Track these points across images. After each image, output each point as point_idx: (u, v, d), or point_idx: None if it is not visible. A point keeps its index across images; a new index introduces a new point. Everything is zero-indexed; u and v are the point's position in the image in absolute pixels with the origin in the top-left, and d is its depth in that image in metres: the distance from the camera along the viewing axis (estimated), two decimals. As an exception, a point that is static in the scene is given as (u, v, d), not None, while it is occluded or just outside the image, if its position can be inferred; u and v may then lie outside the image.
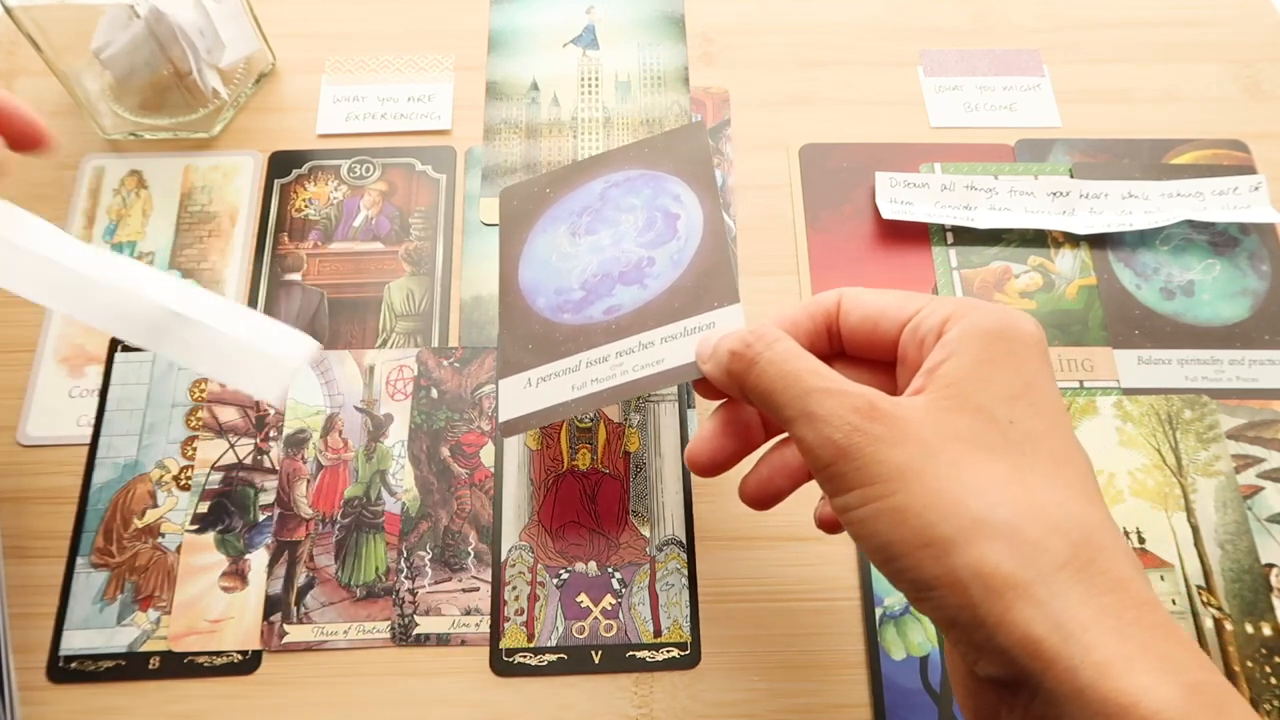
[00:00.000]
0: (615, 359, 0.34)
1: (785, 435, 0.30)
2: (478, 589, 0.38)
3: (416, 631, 0.37)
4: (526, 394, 0.35)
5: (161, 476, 0.40)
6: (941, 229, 0.46)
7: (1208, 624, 0.37)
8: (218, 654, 0.37)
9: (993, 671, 0.22)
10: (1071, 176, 0.47)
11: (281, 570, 0.39)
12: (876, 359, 0.29)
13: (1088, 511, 0.23)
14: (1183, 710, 0.20)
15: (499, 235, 0.40)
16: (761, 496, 0.30)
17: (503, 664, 0.37)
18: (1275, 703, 0.36)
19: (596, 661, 0.37)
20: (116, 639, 0.37)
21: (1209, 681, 0.21)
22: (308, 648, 0.37)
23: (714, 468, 0.30)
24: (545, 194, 0.40)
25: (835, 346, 0.29)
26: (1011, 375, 0.25)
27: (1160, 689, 0.20)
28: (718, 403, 0.31)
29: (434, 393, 0.42)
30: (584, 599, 0.38)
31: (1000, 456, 0.23)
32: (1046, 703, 0.21)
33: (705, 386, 0.31)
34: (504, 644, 0.37)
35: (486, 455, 0.41)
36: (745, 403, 0.29)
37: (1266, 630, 0.37)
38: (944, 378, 0.25)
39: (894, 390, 0.28)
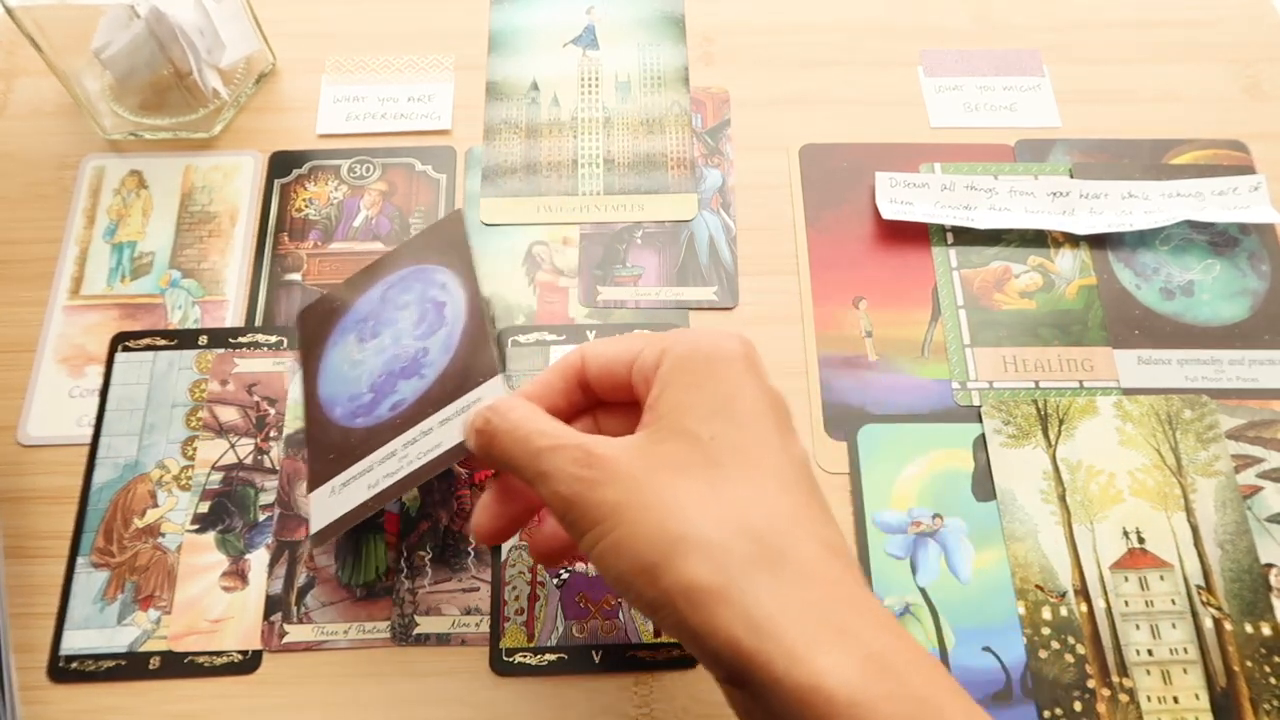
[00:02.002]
0: (401, 451, 0.35)
1: None
2: (478, 589, 0.38)
3: (416, 631, 0.37)
4: (331, 501, 0.37)
5: (162, 476, 0.40)
6: (941, 229, 0.46)
7: (1207, 624, 0.37)
8: (218, 654, 0.37)
9: (719, 676, 0.24)
10: (1071, 176, 0.47)
11: (282, 570, 0.39)
12: (627, 401, 0.30)
13: (776, 505, 0.25)
14: (859, 683, 0.21)
15: (300, 358, 0.42)
16: (548, 553, 0.32)
17: (503, 664, 0.37)
18: (1275, 703, 0.36)
19: (596, 661, 0.37)
20: (117, 639, 0.37)
21: (890, 648, 0.23)
22: (308, 648, 0.37)
23: (498, 535, 0.32)
24: (336, 308, 0.42)
25: (591, 399, 0.31)
26: (712, 394, 0.27)
27: (840, 667, 0.22)
28: (493, 473, 0.33)
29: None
30: (584, 599, 0.38)
31: (698, 474, 0.25)
32: (759, 696, 0.23)
33: (475, 461, 0.34)
34: (504, 644, 0.37)
35: (486, 455, 0.41)
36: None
37: (1266, 630, 0.37)
38: (659, 409, 0.27)
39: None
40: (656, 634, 0.37)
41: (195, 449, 0.41)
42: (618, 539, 0.25)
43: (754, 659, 0.22)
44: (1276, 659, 0.37)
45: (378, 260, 0.42)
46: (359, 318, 0.41)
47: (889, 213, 0.45)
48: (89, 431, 0.41)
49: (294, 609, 0.38)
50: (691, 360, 0.27)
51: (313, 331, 0.42)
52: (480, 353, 0.36)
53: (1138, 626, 0.37)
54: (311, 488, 0.38)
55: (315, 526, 0.37)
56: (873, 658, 0.22)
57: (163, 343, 0.43)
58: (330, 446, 0.38)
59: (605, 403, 0.32)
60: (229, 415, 0.42)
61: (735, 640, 0.23)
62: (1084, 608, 0.38)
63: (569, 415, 0.31)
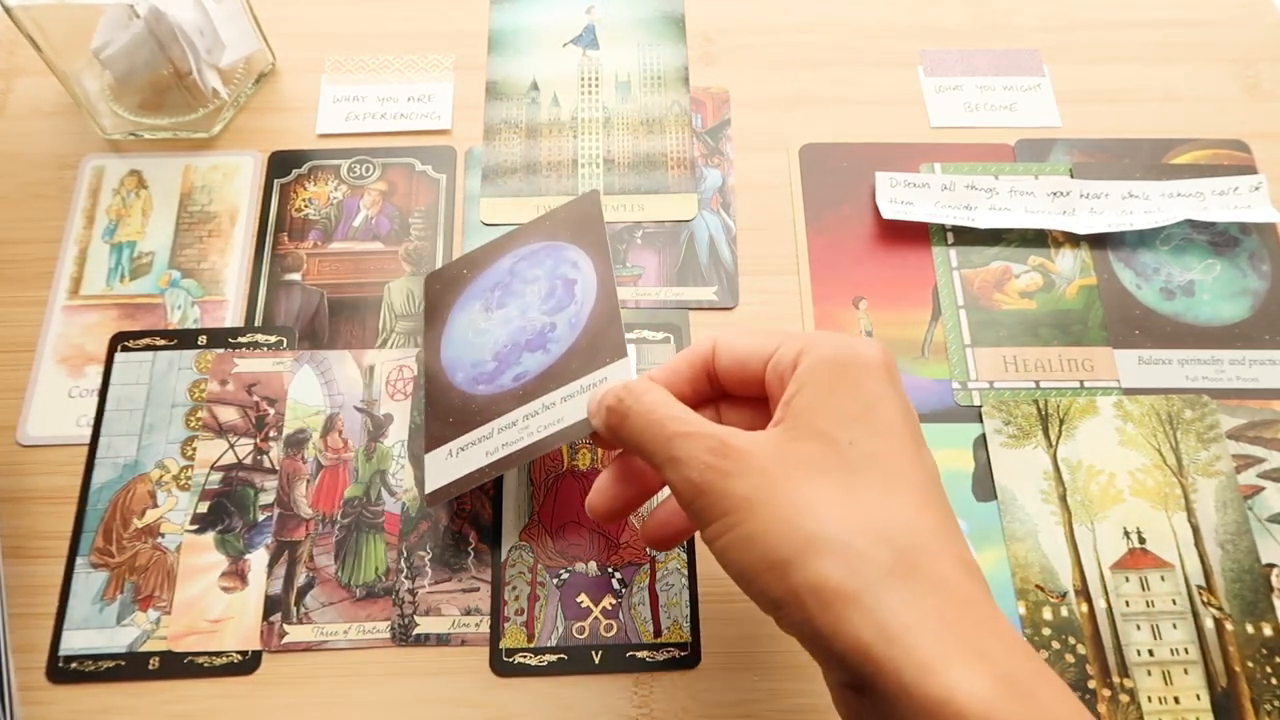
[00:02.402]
0: (523, 422, 0.36)
1: None
2: (478, 589, 0.38)
3: (416, 631, 0.37)
4: (448, 464, 0.37)
5: (161, 476, 0.40)
6: (942, 229, 0.46)
7: (1208, 624, 0.37)
8: (218, 654, 0.37)
9: (838, 678, 0.24)
10: (1072, 176, 0.47)
11: (281, 570, 0.39)
12: (754, 396, 0.30)
13: (917, 519, 0.25)
14: (990, 701, 0.21)
15: (424, 319, 0.42)
16: (661, 538, 0.32)
17: (503, 664, 0.37)
18: (1275, 703, 0.36)
19: (596, 661, 0.37)
20: (116, 639, 0.37)
21: (1022, 670, 0.22)
22: (308, 648, 0.37)
23: (614, 516, 0.32)
24: (463, 275, 0.42)
25: (717, 389, 0.31)
26: (851, 400, 0.27)
27: (973, 682, 0.21)
28: (616, 453, 0.33)
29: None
30: (584, 599, 0.38)
31: (835, 477, 0.25)
32: (881, 703, 0.23)
33: (598, 442, 0.33)
34: (504, 644, 0.37)
35: (486, 455, 0.41)
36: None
37: (1267, 630, 0.37)
38: (795, 408, 0.27)
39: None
40: (657, 634, 0.37)
41: (195, 449, 0.41)
42: (748, 532, 0.25)
43: (884, 665, 0.22)
44: (1277, 659, 0.36)
45: (508, 234, 0.42)
46: (487, 287, 0.41)
47: (889, 212, 0.45)
48: (88, 431, 0.41)
49: (294, 609, 0.38)
50: (832, 363, 0.27)
51: (438, 296, 0.42)
52: (609, 333, 0.36)
53: (1138, 627, 0.37)
54: (430, 448, 0.38)
55: (431, 486, 0.37)
56: (1007, 678, 0.22)
57: (162, 343, 0.43)
58: (450, 410, 0.38)
59: (729, 396, 0.32)
60: (228, 415, 0.42)
61: (865, 645, 0.22)
62: (1084, 608, 0.37)
63: (693, 404, 0.31)
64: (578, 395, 0.35)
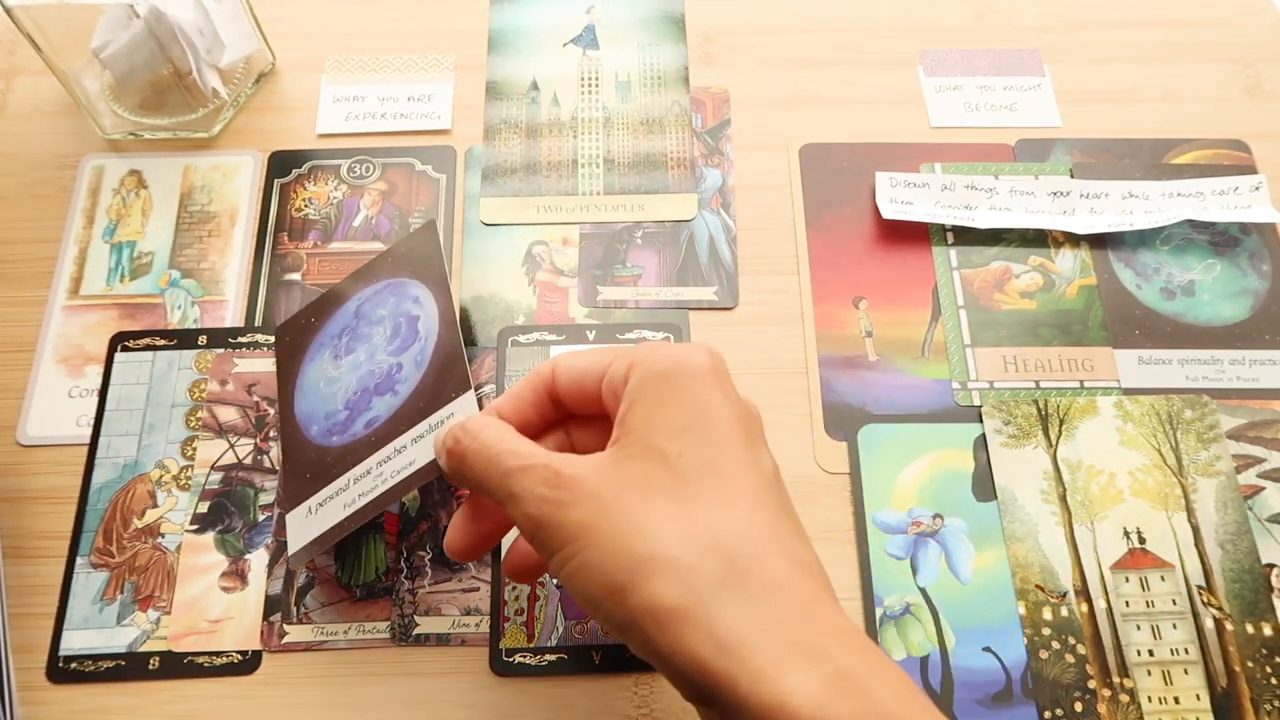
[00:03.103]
0: (376, 469, 0.35)
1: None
2: (478, 589, 0.38)
3: (416, 631, 0.37)
4: (308, 522, 0.36)
5: (161, 476, 0.40)
6: (942, 229, 0.46)
7: (1208, 624, 0.37)
8: (218, 654, 0.37)
9: (687, 696, 0.24)
10: (1072, 176, 0.47)
11: (281, 570, 0.39)
12: (598, 415, 0.30)
13: (748, 525, 0.25)
14: (824, 700, 0.21)
15: (277, 374, 0.42)
16: (521, 569, 0.32)
17: (503, 664, 0.37)
18: (1276, 703, 0.36)
19: (596, 661, 0.37)
20: (116, 639, 0.37)
21: (855, 665, 0.23)
22: (308, 648, 0.37)
23: (470, 554, 0.32)
24: (311, 323, 0.42)
25: (563, 412, 0.31)
26: (680, 411, 0.26)
27: (806, 685, 0.22)
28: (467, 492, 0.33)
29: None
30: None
31: (667, 492, 0.25)
32: (727, 715, 0.23)
33: (450, 482, 0.33)
34: (504, 644, 0.37)
35: (486, 455, 0.41)
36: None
37: (1267, 630, 0.37)
38: (627, 425, 0.27)
39: None
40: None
41: (195, 449, 0.41)
42: (585, 560, 0.25)
43: (719, 678, 0.22)
44: (1277, 659, 0.36)
45: (353, 274, 0.42)
46: (334, 333, 0.40)
47: (889, 212, 0.45)
48: (88, 431, 0.41)
49: (294, 609, 0.38)
50: (659, 375, 0.27)
51: (288, 350, 0.42)
52: (453, 368, 0.35)
53: (1138, 627, 0.37)
54: (289, 508, 0.37)
55: (294, 547, 0.36)
56: (839, 675, 0.22)
57: (162, 343, 0.43)
58: (307, 465, 0.38)
59: (576, 416, 0.31)
60: (228, 415, 0.42)
61: (701, 660, 0.23)
62: (1084, 608, 0.37)
63: (541, 428, 0.31)
64: (426, 435, 0.34)
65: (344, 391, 0.38)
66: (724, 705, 0.23)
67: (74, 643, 0.37)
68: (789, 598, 0.24)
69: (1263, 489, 0.40)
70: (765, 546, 0.24)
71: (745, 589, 0.23)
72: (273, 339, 0.43)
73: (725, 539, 0.24)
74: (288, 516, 0.37)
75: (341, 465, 0.37)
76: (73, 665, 0.37)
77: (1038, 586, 0.38)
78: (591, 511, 0.25)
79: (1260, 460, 0.40)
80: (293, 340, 0.42)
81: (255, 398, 0.42)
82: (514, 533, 0.34)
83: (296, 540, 0.36)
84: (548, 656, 0.37)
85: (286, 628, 0.38)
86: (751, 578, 0.24)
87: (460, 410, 0.34)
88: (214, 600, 0.38)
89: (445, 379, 0.35)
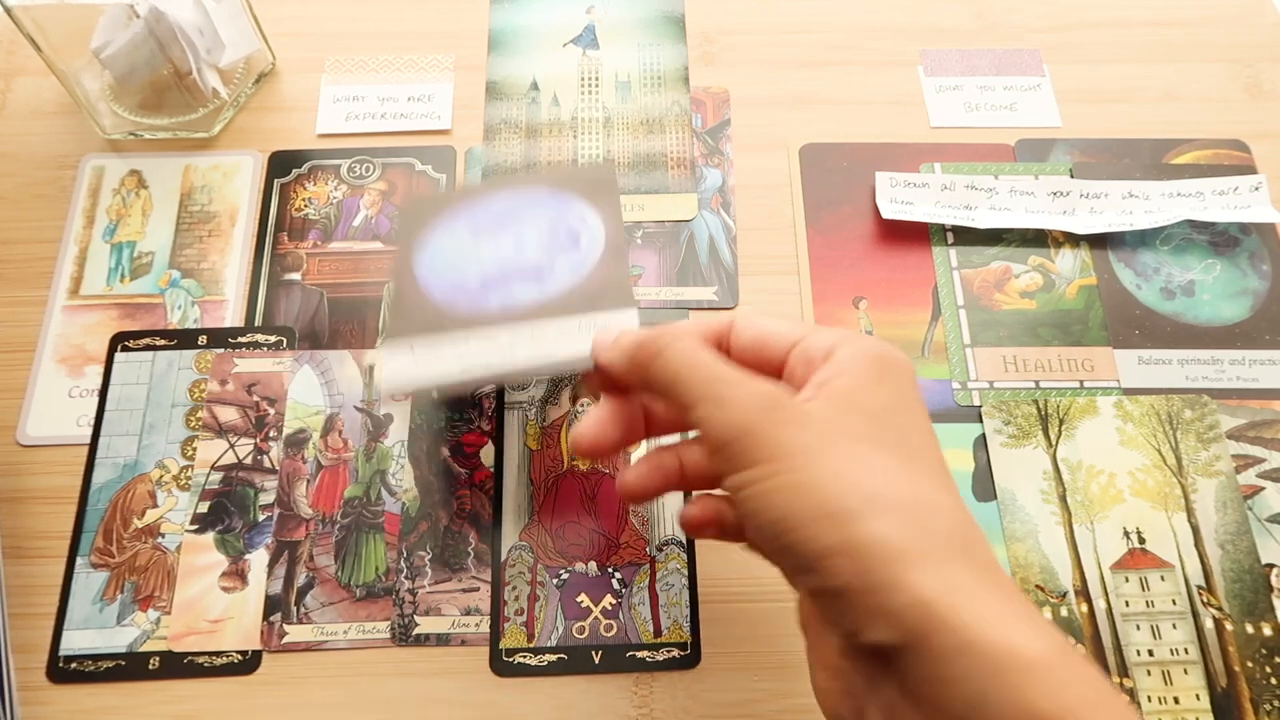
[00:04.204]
0: (506, 342, 0.34)
1: (666, 442, 0.32)
2: (478, 589, 0.38)
3: (416, 631, 0.37)
4: (408, 360, 0.35)
5: (161, 476, 0.40)
6: (942, 229, 0.46)
7: (1208, 624, 0.37)
8: (218, 654, 0.37)
9: (880, 636, 0.24)
10: (1072, 176, 0.47)
11: (281, 570, 0.39)
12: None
13: (962, 510, 0.26)
14: (1055, 659, 0.22)
15: (399, 239, 0.39)
16: (639, 490, 0.32)
17: (503, 664, 0.37)
18: (1275, 703, 0.36)
19: (596, 661, 0.37)
20: (116, 639, 0.37)
21: (1069, 644, 0.23)
22: (308, 648, 0.37)
23: (595, 451, 0.32)
24: (450, 200, 0.40)
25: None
26: (893, 392, 0.27)
27: (1036, 641, 0.22)
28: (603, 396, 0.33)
29: (434, 393, 0.42)
30: (584, 599, 0.38)
31: (890, 452, 0.26)
32: (933, 661, 0.23)
33: (592, 382, 0.33)
34: (504, 644, 0.37)
35: (486, 455, 0.41)
36: (640, 392, 0.31)
37: (1267, 630, 0.37)
38: (836, 389, 0.27)
39: None
40: (657, 634, 0.37)
41: (195, 449, 0.41)
42: (799, 480, 0.25)
43: (947, 620, 0.22)
44: (1277, 659, 0.36)
45: (508, 177, 0.41)
46: (476, 215, 0.39)
47: (889, 212, 0.45)
48: (88, 431, 0.41)
49: (294, 609, 0.38)
50: (874, 357, 0.28)
51: (416, 217, 0.40)
52: (618, 286, 0.35)
53: (1138, 627, 0.37)
54: (389, 340, 0.36)
55: (389, 380, 0.35)
56: (1062, 645, 0.23)
57: (162, 343, 0.43)
58: (421, 314, 0.36)
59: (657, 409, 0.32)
60: (228, 415, 0.42)
61: (927, 600, 0.23)
62: (1084, 608, 0.37)
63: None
64: (575, 332, 0.33)
65: (479, 267, 0.37)
66: (938, 648, 0.22)
67: (74, 643, 0.37)
68: (1001, 577, 0.24)
69: (1262, 489, 0.40)
70: (976, 534, 0.25)
71: (969, 559, 0.24)
72: (273, 338, 0.43)
73: (946, 511, 0.25)
74: (384, 348, 0.36)
75: (462, 325, 0.35)
76: (73, 665, 0.37)
77: (1038, 586, 0.38)
78: (817, 435, 0.25)
79: (1260, 460, 0.40)
80: (425, 207, 0.40)
81: (255, 398, 0.42)
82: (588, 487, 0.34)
83: (394, 375, 0.35)
84: (548, 656, 0.37)
85: (286, 628, 0.38)
86: (971, 550, 0.24)
87: (619, 322, 0.34)
88: (214, 600, 0.38)
89: (605, 292, 0.35)
